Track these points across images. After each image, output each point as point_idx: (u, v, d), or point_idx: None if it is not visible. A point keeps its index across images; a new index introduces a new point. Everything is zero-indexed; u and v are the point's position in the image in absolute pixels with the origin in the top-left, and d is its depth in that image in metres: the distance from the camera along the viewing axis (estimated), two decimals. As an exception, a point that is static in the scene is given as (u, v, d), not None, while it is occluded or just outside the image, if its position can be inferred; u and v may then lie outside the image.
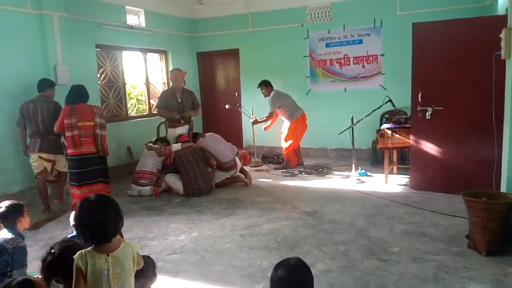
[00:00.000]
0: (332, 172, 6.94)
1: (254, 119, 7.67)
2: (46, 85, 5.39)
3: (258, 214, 4.93)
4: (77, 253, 2.07)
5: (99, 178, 5.18)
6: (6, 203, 3.01)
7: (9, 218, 2.95)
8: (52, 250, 2.30)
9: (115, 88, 7.51)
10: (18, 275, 2.73)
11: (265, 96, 7.48)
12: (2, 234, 2.91)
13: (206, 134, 6.69)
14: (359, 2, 7.68)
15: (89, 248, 2.08)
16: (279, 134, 7.60)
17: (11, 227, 2.94)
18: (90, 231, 2.04)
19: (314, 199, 5.43)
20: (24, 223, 3.05)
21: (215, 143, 6.39)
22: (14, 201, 3.09)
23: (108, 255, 2.06)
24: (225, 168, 6.27)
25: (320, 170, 6.95)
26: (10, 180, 5.58)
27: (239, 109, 8.21)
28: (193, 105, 6.73)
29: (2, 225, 2.99)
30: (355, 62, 7.90)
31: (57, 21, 5.97)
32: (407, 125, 5.82)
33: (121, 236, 2.32)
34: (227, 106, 8.02)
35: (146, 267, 2.27)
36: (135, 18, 7.87)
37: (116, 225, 2.10)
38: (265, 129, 7.71)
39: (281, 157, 7.69)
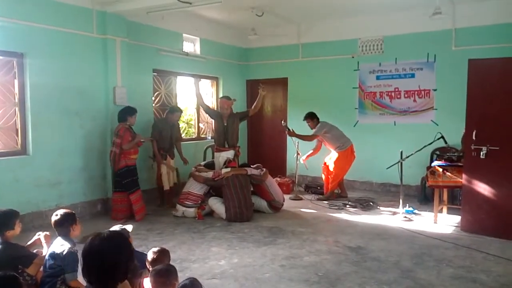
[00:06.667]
0: (378, 207, 6.75)
1: (291, 130, 7.35)
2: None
3: (299, 245, 4.87)
4: None
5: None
6: (61, 211, 3.19)
7: (64, 225, 3.12)
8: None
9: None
10: (70, 278, 2.93)
11: (311, 129, 7.39)
12: (57, 241, 3.09)
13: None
14: (412, 36, 7.61)
15: None
16: (322, 164, 7.53)
17: (65, 234, 3.11)
18: (94, 273, 1.82)
19: (358, 234, 5.30)
20: (76, 230, 3.21)
21: (274, 183, 6.72)
22: (68, 210, 3.27)
23: None
24: (272, 205, 6.43)
25: (366, 204, 6.77)
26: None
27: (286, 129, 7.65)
28: (244, 113, 7.05)
29: (56, 232, 3.16)
30: (406, 95, 7.77)
31: (119, 46, 6.35)
32: (460, 164, 5.61)
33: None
34: (283, 122, 7.51)
35: None
36: (191, 46, 8.21)
37: (125, 271, 1.86)
38: (303, 161, 7.58)
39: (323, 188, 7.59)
